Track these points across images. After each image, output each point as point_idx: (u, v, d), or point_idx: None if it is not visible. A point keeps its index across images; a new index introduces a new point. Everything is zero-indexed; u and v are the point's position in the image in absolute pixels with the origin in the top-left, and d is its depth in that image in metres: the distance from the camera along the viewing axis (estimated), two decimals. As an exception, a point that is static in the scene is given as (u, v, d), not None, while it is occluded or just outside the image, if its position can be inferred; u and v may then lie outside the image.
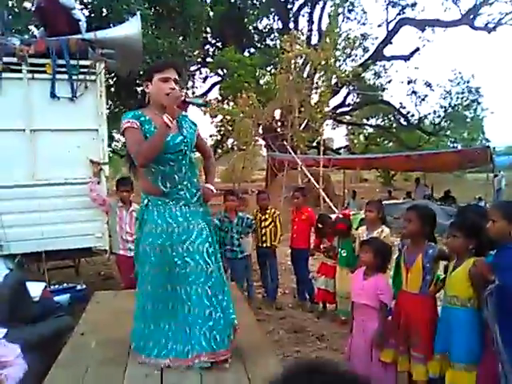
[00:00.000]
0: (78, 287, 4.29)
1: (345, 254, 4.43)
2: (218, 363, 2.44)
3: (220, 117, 17.27)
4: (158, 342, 2.55)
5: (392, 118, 22.69)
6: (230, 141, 20.15)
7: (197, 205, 2.61)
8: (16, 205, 4.45)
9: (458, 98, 20.52)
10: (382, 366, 2.98)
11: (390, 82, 21.20)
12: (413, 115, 21.52)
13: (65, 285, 4.33)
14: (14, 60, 4.42)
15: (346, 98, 21.64)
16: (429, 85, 20.51)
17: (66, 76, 4.53)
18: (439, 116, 20.92)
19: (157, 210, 2.52)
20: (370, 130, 25.52)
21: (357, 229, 4.57)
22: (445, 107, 20.63)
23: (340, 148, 26.35)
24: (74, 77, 4.53)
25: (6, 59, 4.39)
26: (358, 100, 22.32)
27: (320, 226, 4.95)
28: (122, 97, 8.35)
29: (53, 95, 4.50)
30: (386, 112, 22.52)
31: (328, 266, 4.75)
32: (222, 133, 19.97)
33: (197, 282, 2.44)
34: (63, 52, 4.49)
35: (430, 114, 21.26)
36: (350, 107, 22.65)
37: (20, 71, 4.45)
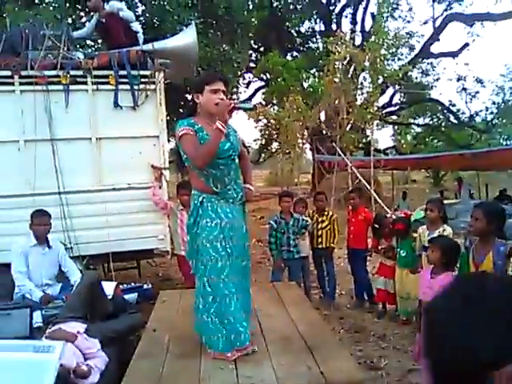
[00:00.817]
0: (145, 286, 4.47)
1: (404, 254, 4.39)
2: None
3: (264, 121, 17.41)
4: (222, 337, 2.68)
5: (441, 117, 22.05)
6: (275, 145, 20.30)
7: (241, 203, 2.89)
8: (84, 209, 4.71)
9: (511, 93, 19.71)
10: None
11: (438, 79, 20.65)
12: (463, 113, 20.87)
13: (132, 284, 4.54)
14: (80, 73, 4.69)
15: (392, 97, 21.26)
16: (480, 81, 19.82)
17: (127, 86, 4.75)
18: (492, 113, 20.12)
19: (211, 206, 2.74)
20: (418, 129, 24.93)
21: (414, 231, 4.52)
22: (497, 103, 19.83)
23: (387, 148, 25.88)
24: (135, 87, 4.74)
25: (72, 72, 4.66)
26: (404, 99, 21.88)
27: (377, 226, 4.92)
28: (172, 105, 8.64)
29: (116, 105, 4.73)
30: (434, 110, 21.91)
31: (387, 266, 4.72)
32: (266, 137, 20.13)
33: (241, 275, 2.82)
34: (124, 63, 4.71)
35: (481, 110, 20.52)
36: (397, 107, 22.22)
37: (85, 83, 4.71)
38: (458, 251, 3.11)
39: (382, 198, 13.40)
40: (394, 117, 24.60)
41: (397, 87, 19.69)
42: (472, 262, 2.92)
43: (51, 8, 7.50)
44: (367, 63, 10.21)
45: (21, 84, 4.56)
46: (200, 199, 2.76)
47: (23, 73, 4.56)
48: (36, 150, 4.59)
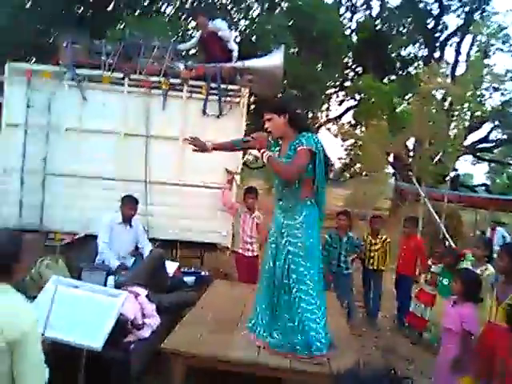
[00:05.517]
0: (203, 273, 5.06)
1: (446, 283, 4.56)
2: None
3: (351, 140, 17.60)
4: (257, 324, 3.16)
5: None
6: (358, 165, 20.29)
7: (292, 216, 3.07)
8: (162, 199, 5.41)
9: None
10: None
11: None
12: None
13: (193, 269, 5.17)
14: (178, 81, 5.43)
15: (489, 133, 20.27)
16: None
17: (215, 97, 5.40)
18: None
19: (273, 215, 3.24)
20: (515, 170, 23.49)
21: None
22: None
23: (477, 185, 24.64)
24: (222, 98, 5.38)
25: (172, 80, 5.41)
26: (503, 136, 20.74)
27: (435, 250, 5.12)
28: (257, 115, 9.27)
29: (204, 112, 5.40)
30: (534, 152, 20.55)
31: (425, 292, 4.91)
32: (350, 157, 20.25)
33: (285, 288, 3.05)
34: (216, 77, 5.37)
35: None
36: (493, 143, 21.12)
37: (181, 90, 5.44)
38: (478, 284, 3.28)
39: (459, 235, 12.98)
40: (491, 154, 23.37)
41: (495, 123, 18.81)
42: (495, 298, 3.10)
43: (166, 19, 8.47)
44: (459, 97, 10.10)
45: (129, 86, 5.40)
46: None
47: (132, 76, 5.40)
48: (132, 143, 5.40)
